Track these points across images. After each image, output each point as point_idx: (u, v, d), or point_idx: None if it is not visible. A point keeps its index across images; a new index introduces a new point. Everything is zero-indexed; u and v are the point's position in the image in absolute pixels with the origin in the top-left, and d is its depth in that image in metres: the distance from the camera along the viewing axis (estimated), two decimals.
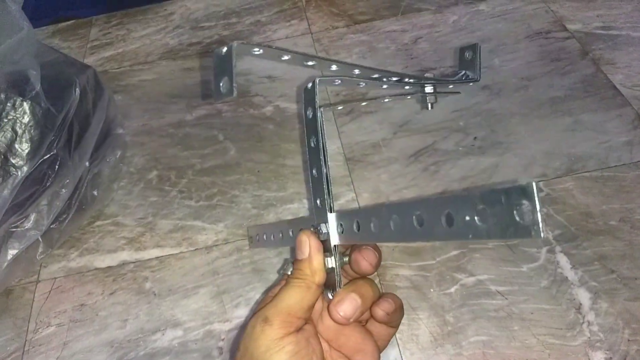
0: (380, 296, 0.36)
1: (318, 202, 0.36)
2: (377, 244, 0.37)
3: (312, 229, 0.36)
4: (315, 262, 0.34)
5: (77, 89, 0.59)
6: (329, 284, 0.35)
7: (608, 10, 0.83)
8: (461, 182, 0.63)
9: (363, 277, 0.37)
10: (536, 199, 0.21)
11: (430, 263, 0.56)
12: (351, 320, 0.34)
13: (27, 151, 0.54)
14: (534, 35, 0.81)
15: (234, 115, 0.76)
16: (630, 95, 0.70)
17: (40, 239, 0.58)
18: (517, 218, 0.21)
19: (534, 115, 0.70)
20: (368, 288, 0.35)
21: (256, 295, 0.56)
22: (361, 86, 0.39)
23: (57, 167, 0.57)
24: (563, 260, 0.55)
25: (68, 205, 0.60)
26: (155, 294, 0.57)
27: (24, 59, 0.56)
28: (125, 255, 0.61)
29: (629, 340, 0.49)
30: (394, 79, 0.40)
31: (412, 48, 0.82)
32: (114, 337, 0.55)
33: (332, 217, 0.35)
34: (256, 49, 0.30)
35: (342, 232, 0.34)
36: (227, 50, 0.28)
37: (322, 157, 0.36)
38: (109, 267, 0.60)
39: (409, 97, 0.45)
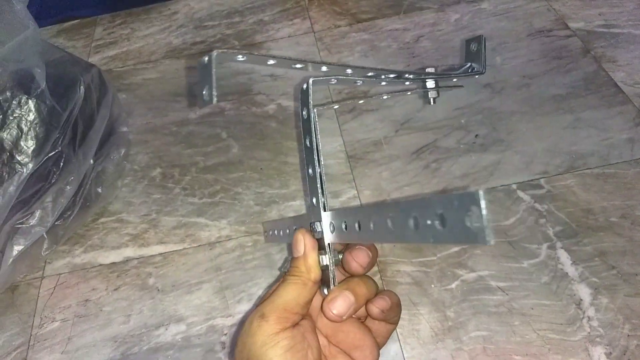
0: (377, 293, 0.36)
1: (314, 200, 0.37)
2: (376, 243, 0.37)
3: (309, 227, 0.36)
4: (310, 260, 0.35)
5: (82, 87, 0.60)
6: (326, 281, 0.35)
7: (610, 8, 0.83)
8: (462, 179, 0.64)
9: (361, 274, 0.37)
10: (482, 205, 0.21)
11: (431, 259, 0.57)
12: (344, 318, 0.34)
13: (32, 148, 0.55)
14: (536, 33, 0.81)
15: (237, 113, 0.76)
16: (631, 92, 0.70)
17: (45, 236, 0.59)
18: (468, 224, 0.22)
19: (535, 113, 0.70)
20: (362, 286, 0.35)
21: (259, 290, 0.57)
22: (359, 84, 0.39)
23: (62, 164, 0.57)
24: (564, 256, 0.55)
25: (73, 202, 0.61)
26: (158, 290, 0.58)
27: (29, 57, 0.57)
28: (129, 251, 0.62)
29: (628, 335, 0.50)
30: (392, 75, 0.40)
31: (414, 47, 0.82)
32: (118, 332, 0.55)
33: (325, 216, 0.36)
34: (240, 56, 0.31)
35: (333, 231, 0.35)
36: (208, 60, 0.29)
37: (315, 157, 0.36)
38: (113, 263, 0.61)
39: (409, 93, 0.45)
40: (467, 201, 0.22)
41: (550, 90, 0.72)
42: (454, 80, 0.47)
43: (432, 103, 0.46)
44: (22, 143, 0.54)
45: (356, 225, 0.32)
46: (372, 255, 0.36)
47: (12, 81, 0.55)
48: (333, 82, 0.38)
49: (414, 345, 0.51)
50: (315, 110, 0.37)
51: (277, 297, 0.34)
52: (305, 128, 0.37)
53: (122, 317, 0.56)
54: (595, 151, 0.64)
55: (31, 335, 0.56)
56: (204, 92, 0.30)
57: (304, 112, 0.37)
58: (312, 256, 0.35)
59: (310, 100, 0.37)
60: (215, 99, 0.29)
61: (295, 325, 0.33)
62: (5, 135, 0.54)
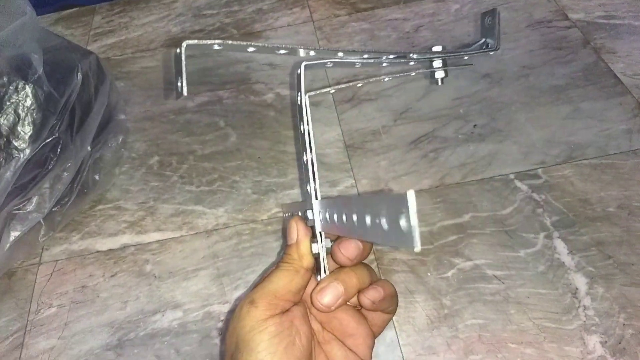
0: (372, 282, 0.35)
1: (307, 188, 0.36)
2: (350, 237, 0.36)
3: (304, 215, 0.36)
4: (302, 247, 0.34)
5: (79, 74, 0.60)
6: (319, 269, 0.35)
7: None
8: (460, 169, 0.64)
9: (357, 263, 0.36)
10: (410, 208, 0.20)
11: (428, 247, 0.57)
12: (332, 308, 0.33)
13: (29, 134, 0.55)
14: (536, 24, 0.81)
15: (235, 102, 0.76)
16: (630, 83, 0.70)
17: (42, 222, 0.59)
18: (402, 226, 0.22)
19: (534, 104, 0.70)
20: (353, 276, 0.34)
21: (255, 277, 0.57)
22: (358, 66, 0.39)
23: (59, 150, 0.57)
24: (560, 245, 0.56)
25: (70, 189, 0.61)
26: (155, 277, 0.58)
27: (26, 43, 0.57)
28: (126, 238, 0.62)
29: (624, 324, 0.50)
30: (392, 56, 0.39)
31: (414, 36, 0.82)
32: (115, 318, 0.55)
33: (316, 204, 0.35)
34: (216, 46, 0.30)
35: (321, 220, 0.35)
36: (179, 51, 0.29)
37: (307, 143, 0.36)
38: (110, 250, 0.61)
39: (413, 73, 0.43)
40: (400, 203, 0.21)
41: (549, 81, 0.72)
42: (465, 58, 0.44)
43: (439, 84, 0.44)
44: (19, 129, 0.54)
45: (335, 216, 0.31)
46: (363, 248, 0.34)
47: (9, 66, 0.55)
48: (329, 66, 0.37)
49: (409, 332, 0.51)
50: (307, 96, 0.36)
51: (268, 283, 0.34)
52: (300, 114, 0.37)
53: (119, 304, 0.56)
54: (594, 142, 0.64)
55: (28, 320, 0.56)
56: (177, 84, 0.29)
57: (298, 98, 0.37)
58: (304, 244, 0.34)
59: (303, 86, 0.36)
60: (183, 92, 0.28)
61: (285, 311, 0.33)
62: (2, 121, 0.53)
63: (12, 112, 0.54)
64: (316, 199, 0.36)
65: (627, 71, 0.71)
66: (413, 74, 0.44)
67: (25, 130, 0.55)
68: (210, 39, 0.31)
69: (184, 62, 0.29)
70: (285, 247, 0.36)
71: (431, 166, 0.64)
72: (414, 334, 0.51)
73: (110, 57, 0.87)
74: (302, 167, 0.37)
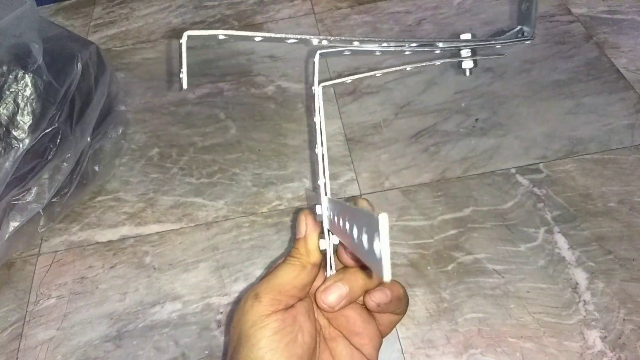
0: (380, 283, 0.34)
1: (318, 182, 0.35)
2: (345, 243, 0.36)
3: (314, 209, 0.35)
4: (310, 243, 0.34)
5: (79, 64, 0.59)
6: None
7: None
8: (461, 163, 0.63)
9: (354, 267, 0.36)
10: (382, 233, 0.18)
11: (428, 241, 0.57)
12: (336, 308, 0.33)
13: (28, 124, 0.54)
14: (539, 18, 0.80)
15: (236, 94, 0.76)
16: (633, 78, 0.69)
17: (41, 213, 0.59)
18: (374, 249, 0.19)
19: (536, 98, 0.69)
20: (359, 276, 0.33)
21: (255, 270, 0.57)
22: (378, 54, 0.36)
23: (58, 140, 0.57)
24: (561, 240, 0.55)
25: (69, 180, 0.60)
26: (155, 268, 0.58)
27: (26, 32, 0.56)
28: (126, 230, 0.62)
29: (624, 319, 0.50)
30: (414, 44, 0.36)
31: (416, 29, 0.81)
32: (114, 309, 0.55)
33: (324, 200, 0.34)
34: (221, 35, 0.29)
35: (328, 218, 0.34)
36: (180, 43, 0.28)
37: (318, 136, 0.35)
38: (110, 242, 0.61)
39: (438, 62, 0.40)
40: (374, 224, 0.19)
41: (551, 76, 0.72)
42: (497, 47, 0.42)
43: (467, 74, 0.42)
44: (18, 118, 0.54)
45: (336, 219, 0.30)
46: None
47: (9, 55, 0.54)
48: (347, 54, 0.35)
49: (409, 326, 0.51)
50: (320, 86, 0.35)
51: (274, 278, 0.33)
52: (313, 105, 0.36)
53: (118, 295, 0.56)
54: (596, 137, 0.64)
55: (27, 311, 0.56)
56: (180, 76, 0.28)
57: (313, 88, 0.35)
58: (312, 239, 0.34)
59: (316, 75, 0.35)
60: (183, 84, 0.27)
61: (289, 307, 0.33)
62: (1, 110, 0.53)
63: (12, 101, 0.54)
64: (325, 194, 0.34)
65: (629, 66, 0.71)
66: (438, 62, 0.40)
67: (25, 120, 0.54)
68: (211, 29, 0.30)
69: (184, 54, 0.28)
70: (293, 240, 0.35)
71: (432, 160, 0.64)
72: (414, 327, 0.51)
73: (111, 48, 0.86)
74: (314, 160, 0.36)
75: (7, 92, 0.54)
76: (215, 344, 0.52)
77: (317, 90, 0.35)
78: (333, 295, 0.33)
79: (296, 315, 0.33)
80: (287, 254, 0.34)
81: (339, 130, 0.69)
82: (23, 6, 0.57)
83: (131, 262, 0.59)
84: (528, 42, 0.42)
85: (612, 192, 0.59)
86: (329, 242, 0.34)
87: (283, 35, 0.32)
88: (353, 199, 0.40)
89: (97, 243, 0.61)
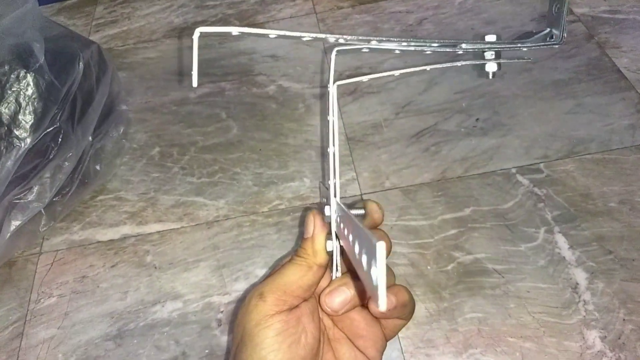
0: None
1: (328, 182, 0.35)
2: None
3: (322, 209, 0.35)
4: (317, 243, 0.33)
5: (81, 63, 0.60)
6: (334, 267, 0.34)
7: None
8: (462, 162, 0.63)
9: None
10: (378, 262, 0.17)
11: (429, 241, 0.57)
12: (340, 312, 0.33)
13: (30, 123, 0.54)
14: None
15: (237, 93, 0.76)
16: (634, 79, 0.69)
17: (43, 212, 0.59)
18: (372, 275, 0.19)
19: (537, 98, 0.69)
20: None
21: (255, 269, 0.57)
22: (397, 52, 0.36)
23: (60, 140, 0.57)
24: (561, 240, 0.55)
25: (71, 179, 0.61)
26: (155, 267, 0.58)
27: (28, 31, 0.56)
28: (127, 229, 0.62)
29: (624, 319, 0.50)
30: (435, 44, 0.36)
31: (417, 29, 0.82)
32: (115, 308, 0.55)
33: (333, 203, 0.34)
34: (235, 32, 0.28)
35: (336, 221, 0.33)
36: (193, 38, 0.27)
37: (331, 134, 0.34)
38: (111, 241, 0.61)
39: (459, 64, 0.39)
40: (373, 250, 0.18)
41: (552, 75, 0.72)
42: (524, 50, 0.40)
43: (490, 77, 0.41)
44: (20, 117, 0.54)
45: (342, 225, 0.30)
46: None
47: (11, 55, 0.55)
48: (365, 51, 0.35)
49: (409, 325, 0.51)
50: (335, 85, 0.34)
51: (279, 277, 0.33)
52: (328, 104, 0.35)
53: (119, 294, 0.56)
54: (596, 137, 0.64)
55: (28, 310, 0.56)
56: (192, 72, 0.28)
57: (328, 86, 0.35)
58: (319, 239, 0.34)
59: (332, 74, 0.34)
60: (194, 81, 0.27)
61: (293, 308, 0.33)
62: (3, 109, 0.53)
63: (14, 100, 0.54)
64: (334, 196, 0.34)
65: (631, 66, 0.71)
66: (460, 64, 0.39)
67: (27, 119, 0.54)
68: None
69: (196, 51, 0.27)
70: (301, 240, 0.35)
71: (432, 160, 0.64)
72: (413, 327, 0.51)
73: (113, 48, 0.86)
74: (326, 159, 0.36)
75: (9, 91, 0.54)
76: (216, 343, 0.52)
77: (332, 89, 0.34)
78: (337, 299, 0.33)
79: (300, 317, 0.33)
80: (294, 253, 0.34)
81: (339, 130, 0.69)
82: (25, 5, 0.57)
83: (132, 261, 0.59)
84: (557, 46, 0.40)
85: (613, 192, 0.59)
86: (336, 244, 0.34)
87: (298, 34, 0.31)
88: (363, 201, 0.39)
89: (98, 242, 0.61)
